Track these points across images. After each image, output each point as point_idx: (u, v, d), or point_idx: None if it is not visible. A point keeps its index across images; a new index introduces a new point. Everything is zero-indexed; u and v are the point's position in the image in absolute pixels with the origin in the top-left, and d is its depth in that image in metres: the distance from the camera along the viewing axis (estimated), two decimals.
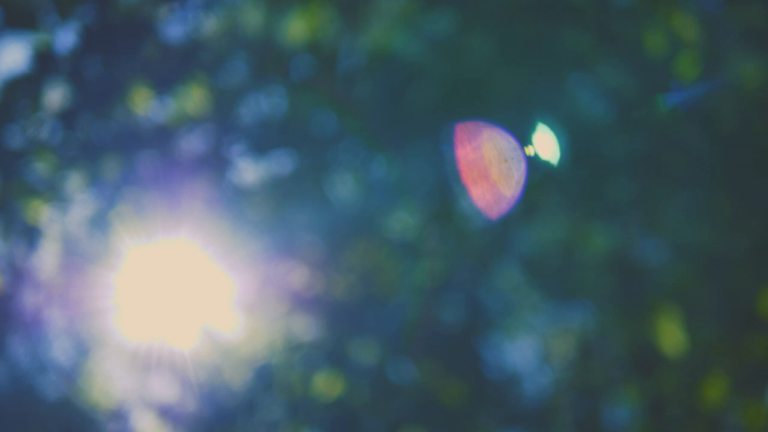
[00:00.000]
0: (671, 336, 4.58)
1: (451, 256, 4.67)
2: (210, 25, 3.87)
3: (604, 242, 4.72)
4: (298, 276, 4.59)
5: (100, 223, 4.33)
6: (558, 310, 5.05)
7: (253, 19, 3.99)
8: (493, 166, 2.96)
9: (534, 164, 2.80)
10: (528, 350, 5.08)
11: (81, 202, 4.27)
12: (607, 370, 4.90)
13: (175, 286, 4.66)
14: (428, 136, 4.16)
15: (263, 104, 3.98)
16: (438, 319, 4.82)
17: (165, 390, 4.87)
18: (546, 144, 2.76)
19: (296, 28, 4.03)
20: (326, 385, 4.72)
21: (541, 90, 4.05)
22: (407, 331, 4.69)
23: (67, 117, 3.59)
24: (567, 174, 4.17)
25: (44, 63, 3.33)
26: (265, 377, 4.68)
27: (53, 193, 4.16)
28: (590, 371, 4.95)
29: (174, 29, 3.70)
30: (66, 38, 3.42)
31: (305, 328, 4.75)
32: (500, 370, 5.00)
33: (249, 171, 4.12)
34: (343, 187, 4.35)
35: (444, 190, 4.42)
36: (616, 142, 4.23)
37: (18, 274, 4.49)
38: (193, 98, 3.63)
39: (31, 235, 4.40)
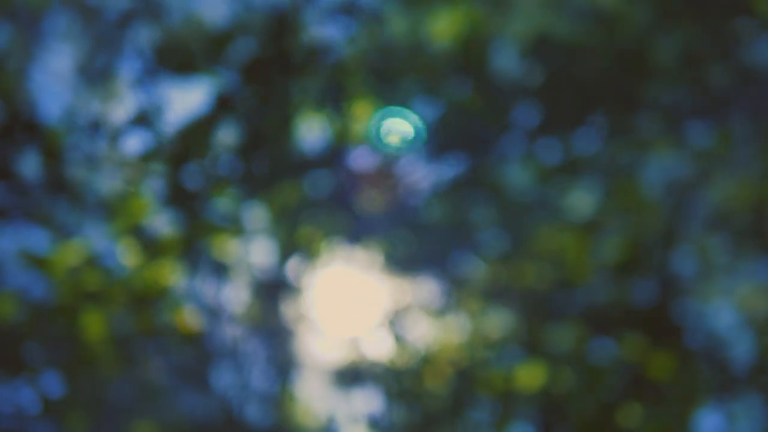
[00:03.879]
0: None
1: (637, 228, 4.55)
2: (360, 38, 3.87)
3: None
4: (484, 271, 4.56)
5: (284, 248, 4.39)
6: (753, 267, 4.87)
7: (398, 26, 3.97)
8: None
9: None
10: (728, 313, 4.91)
11: (263, 231, 4.34)
12: None
13: (364, 300, 4.69)
14: (597, 111, 4.06)
15: (427, 109, 3.96)
16: (633, 293, 4.71)
17: (369, 403, 4.91)
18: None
19: (442, 28, 4.00)
20: (528, 376, 4.67)
21: (706, 44, 3.91)
22: (604, 310, 4.60)
23: (241, 151, 3.65)
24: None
25: (218, 102, 3.39)
26: (466, 378, 4.67)
27: (236, 227, 4.24)
28: None
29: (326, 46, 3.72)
30: (228, 77, 3.48)
31: (499, 322, 4.71)
32: (703, 337, 4.85)
33: (424, 175, 4.11)
34: (518, 176, 4.29)
35: (619, 163, 4.32)
36: None
37: (214, 310, 4.60)
38: (358, 113, 3.64)
39: (221, 271, 4.50)
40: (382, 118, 3.65)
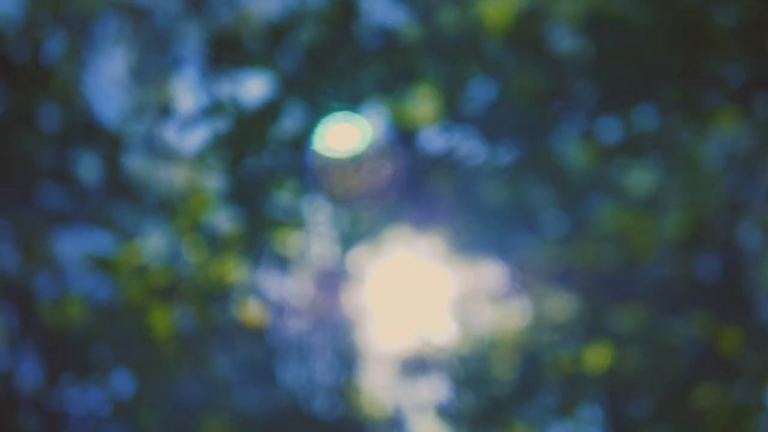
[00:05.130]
0: None
1: (700, 203, 4.50)
2: (411, 25, 3.86)
3: None
4: (546, 254, 4.53)
5: (346, 238, 4.40)
6: None
7: (448, 15, 3.95)
8: None
9: None
10: None
11: (324, 223, 4.35)
12: None
13: (427, 287, 4.68)
14: (656, 87, 4.02)
15: (483, 94, 3.94)
16: (698, 269, 4.66)
17: (436, 391, 4.90)
18: None
19: (493, 15, 3.98)
20: (595, 358, 4.64)
21: (766, 14, 3.84)
22: (669, 288, 4.56)
23: (303, 142, 3.66)
24: None
25: (278, 94, 3.40)
26: (533, 362, 4.65)
27: (298, 220, 4.25)
28: None
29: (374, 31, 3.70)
30: (288, 67, 3.48)
31: (563, 304, 4.68)
32: None
33: (482, 160, 4.09)
34: (577, 156, 4.26)
35: (680, 138, 4.27)
36: None
37: (278, 304, 4.62)
38: (421, 100, 3.63)
39: (284, 264, 4.51)
40: (330, 122, 3.65)
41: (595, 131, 4.19)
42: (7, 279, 4.83)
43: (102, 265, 4.44)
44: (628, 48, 3.92)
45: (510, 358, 4.65)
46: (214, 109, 3.80)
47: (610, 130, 4.13)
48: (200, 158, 4.02)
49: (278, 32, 3.67)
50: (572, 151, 4.30)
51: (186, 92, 4.77)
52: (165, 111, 4.77)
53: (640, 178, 4.43)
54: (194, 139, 4.14)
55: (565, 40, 4.10)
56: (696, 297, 4.62)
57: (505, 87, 3.94)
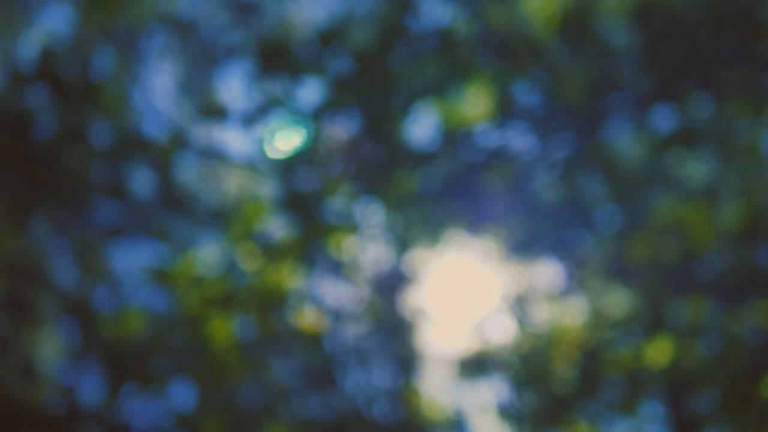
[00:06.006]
0: None
1: (758, 191, 4.44)
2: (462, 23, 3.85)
3: None
4: (603, 249, 4.49)
5: (401, 241, 4.39)
6: None
7: (497, 11, 3.93)
8: None
9: None
10: None
11: (379, 225, 4.34)
12: None
13: (484, 287, 4.66)
14: (710, 75, 3.97)
15: (535, 89, 3.92)
16: (758, 258, 4.59)
17: (496, 392, 4.87)
18: None
19: (542, 9, 3.95)
20: (656, 352, 4.59)
21: None
22: (731, 278, 4.50)
23: (354, 146, 3.66)
24: None
25: (329, 99, 3.40)
26: (593, 358, 4.60)
27: (352, 224, 4.25)
28: None
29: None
30: (339, 72, 3.48)
31: (622, 299, 4.63)
32: None
33: (536, 156, 4.06)
34: (631, 149, 4.22)
35: (735, 126, 4.21)
36: None
37: (335, 310, 4.62)
38: (473, 98, 3.61)
39: (339, 269, 4.51)
40: (275, 127, 3.64)
41: (650, 122, 4.15)
42: (66, 294, 4.87)
43: (160, 276, 4.46)
44: (680, 36, 3.88)
45: (570, 355, 4.61)
46: (263, 117, 3.81)
47: (665, 120, 4.08)
48: (253, 166, 4.03)
49: (327, 38, 3.67)
50: (626, 143, 4.26)
51: (236, 102, 4.79)
52: (216, 121, 4.79)
53: (696, 168, 4.37)
54: (247, 147, 4.15)
55: (615, 31, 4.06)
56: (758, 286, 4.55)
57: (557, 81, 3.91)
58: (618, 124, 4.19)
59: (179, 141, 4.95)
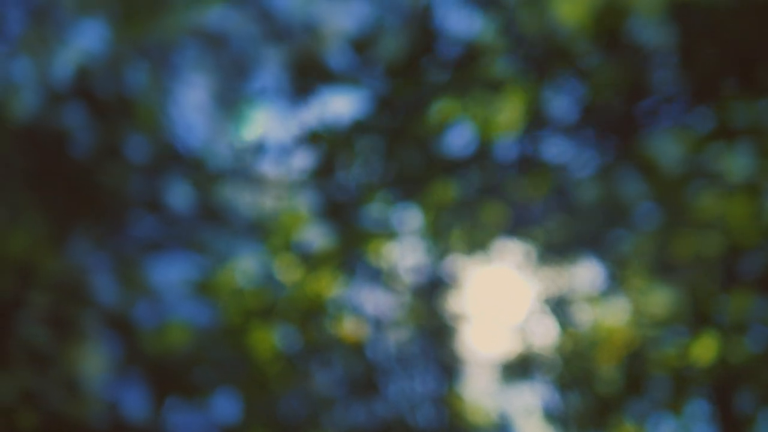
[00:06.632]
0: None
1: None
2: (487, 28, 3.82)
3: None
4: (644, 247, 4.45)
5: (439, 247, 4.37)
6: None
7: (527, 17, 3.90)
8: None
9: None
10: None
11: (418, 233, 4.33)
12: None
13: (525, 290, 4.63)
14: (746, 71, 3.93)
15: (569, 94, 3.89)
16: None
17: (540, 394, 4.84)
18: None
19: (572, 12, 3.92)
20: (702, 350, 4.54)
21: None
22: None
23: (391, 153, 3.65)
24: None
25: (379, 107, 3.39)
26: (638, 358, 4.56)
27: (390, 232, 4.23)
28: None
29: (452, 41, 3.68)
30: (373, 81, 3.47)
31: (666, 297, 4.59)
32: None
33: (573, 159, 4.03)
34: (670, 148, 4.18)
35: None
36: None
37: (376, 317, 4.61)
38: (506, 105, 3.59)
39: (379, 277, 4.50)
40: (240, 124, 3.63)
41: (688, 120, 4.11)
42: (108, 310, 4.90)
43: (200, 289, 4.47)
44: (715, 33, 3.84)
45: (614, 356, 4.58)
46: (298, 128, 3.81)
47: (703, 118, 4.04)
48: (291, 177, 4.03)
49: (360, 47, 3.67)
50: (665, 142, 4.22)
51: (270, 114, 4.80)
52: (250, 133, 4.80)
53: (736, 164, 4.33)
54: (283, 158, 4.15)
55: (648, 32, 4.02)
56: None
57: (592, 85, 3.88)
58: (656, 124, 4.15)
59: (215, 154, 4.97)
